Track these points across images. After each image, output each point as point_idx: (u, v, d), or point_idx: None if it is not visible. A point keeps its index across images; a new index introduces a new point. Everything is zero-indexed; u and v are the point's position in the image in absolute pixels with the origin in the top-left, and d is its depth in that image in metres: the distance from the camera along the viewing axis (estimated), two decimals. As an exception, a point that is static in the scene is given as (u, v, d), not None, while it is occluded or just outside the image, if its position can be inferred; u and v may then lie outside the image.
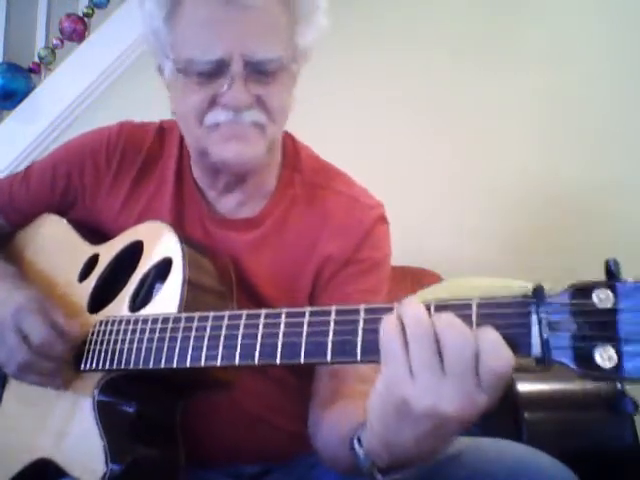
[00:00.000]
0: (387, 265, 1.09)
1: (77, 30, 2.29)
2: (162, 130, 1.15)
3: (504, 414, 1.55)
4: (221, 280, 0.98)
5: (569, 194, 2.27)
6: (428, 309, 0.63)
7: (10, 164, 2.18)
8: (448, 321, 0.61)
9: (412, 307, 0.63)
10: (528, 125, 2.31)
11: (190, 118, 0.98)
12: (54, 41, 2.33)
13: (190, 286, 0.90)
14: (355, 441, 0.75)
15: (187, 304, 0.89)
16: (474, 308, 0.62)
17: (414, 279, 1.93)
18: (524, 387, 1.55)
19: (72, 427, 0.94)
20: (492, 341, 0.59)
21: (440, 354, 0.60)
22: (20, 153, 2.20)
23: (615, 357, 0.54)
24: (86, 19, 2.31)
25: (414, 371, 0.61)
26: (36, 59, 2.34)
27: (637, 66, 2.33)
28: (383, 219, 1.10)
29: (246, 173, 1.03)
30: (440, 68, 2.33)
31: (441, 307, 0.63)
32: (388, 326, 0.63)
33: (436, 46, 2.34)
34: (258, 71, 0.95)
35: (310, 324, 0.71)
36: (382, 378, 0.65)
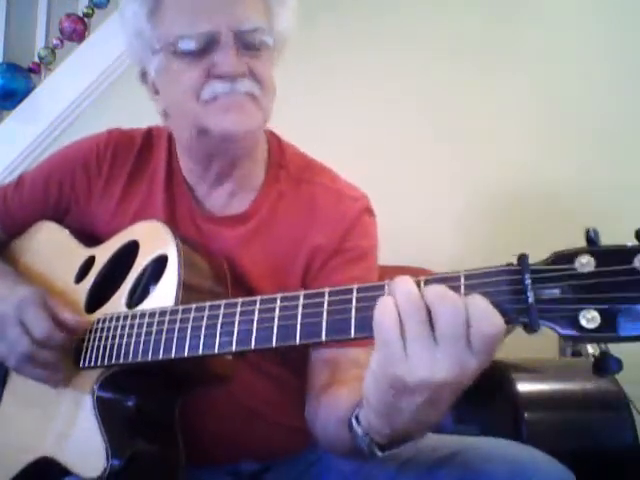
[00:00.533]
0: (374, 254, 1.11)
1: (77, 30, 2.29)
2: (150, 134, 1.18)
3: (504, 414, 1.55)
4: (215, 274, 1.00)
5: (569, 194, 2.27)
6: (418, 284, 0.65)
7: (10, 164, 2.18)
8: (438, 292, 0.63)
9: (402, 283, 0.65)
10: (527, 125, 2.31)
11: (186, 98, 1.01)
12: (54, 41, 2.33)
13: (185, 282, 0.92)
14: (353, 420, 0.77)
15: (183, 298, 0.90)
16: (462, 280, 0.64)
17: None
18: (524, 387, 1.55)
19: (72, 424, 0.95)
20: (482, 307, 0.61)
21: (432, 325, 0.63)
22: (20, 153, 2.20)
23: (598, 318, 0.57)
24: (86, 19, 2.31)
25: (407, 346, 0.63)
26: (36, 59, 2.34)
27: (635, 66, 2.33)
28: (368, 210, 1.12)
29: (238, 158, 1.06)
30: (439, 68, 2.33)
31: (431, 281, 0.66)
32: (382, 305, 0.65)
33: (435, 46, 2.34)
34: (246, 43, 1.00)
35: (304, 306, 0.72)
36: (376, 357, 0.67)
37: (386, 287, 0.67)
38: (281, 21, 1.06)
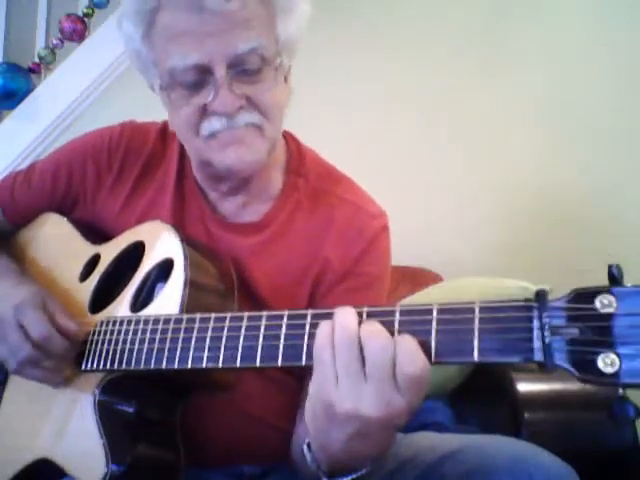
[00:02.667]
0: (386, 278, 1.10)
1: (77, 30, 2.29)
2: (164, 131, 1.15)
3: (504, 414, 1.55)
4: (222, 281, 0.98)
5: (569, 195, 2.27)
6: (361, 315, 0.67)
7: (10, 164, 2.18)
8: (371, 329, 0.65)
9: (342, 314, 0.67)
10: (529, 127, 2.31)
11: (186, 131, 0.99)
12: (54, 41, 2.33)
13: (191, 287, 0.90)
14: (305, 446, 0.79)
15: (188, 305, 0.89)
16: (476, 311, 0.63)
17: (414, 279, 1.93)
18: (524, 387, 1.54)
19: (73, 427, 0.94)
20: (407, 347, 0.63)
21: (363, 360, 0.65)
22: (20, 153, 2.20)
23: (617, 362, 0.54)
24: (86, 19, 2.31)
25: (339, 375, 0.66)
26: (36, 59, 2.34)
27: (638, 65, 2.33)
28: (385, 229, 1.09)
29: (250, 177, 1.03)
30: (440, 69, 2.33)
31: (372, 314, 0.67)
32: (320, 332, 0.67)
33: (437, 49, 2.34)
34: (242, 71, 0.94)
35: (312, 326, 0.71)
36: (312, 382, 0.69)
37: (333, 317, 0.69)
38: (288, 28, 0.99)
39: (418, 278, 1.95)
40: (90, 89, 2.24)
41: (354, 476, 0.76)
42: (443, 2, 2.38)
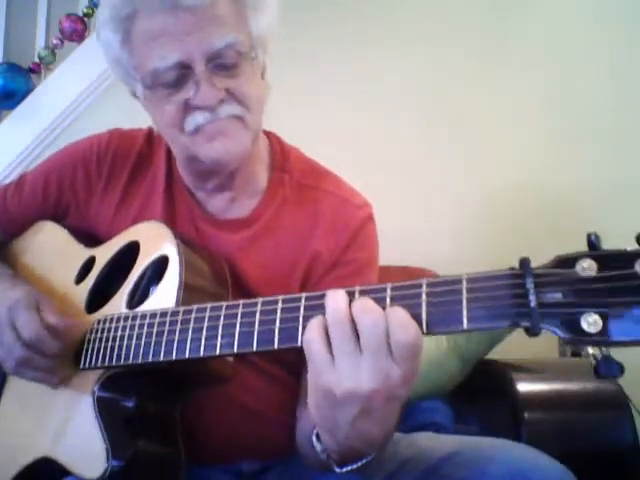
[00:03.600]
0: (375, 264, 1.12)
1: (77, 30, 2.29)
2: (151, 135, 1.17)
3: (504, 414, 1.55)
4: (216, 276, 1.00)
5: (570, 196, 2.27)
6: (353, 295, 0.69)
7: (10, 164, 2.18)
8: (362, 305, 0.67)
9: (331, 298, 0.69)
10: (528, 127, 2.31)
11: (172, 129, 1.01)
12: (54, 41, 2.33)
13: (186, 283, 0.91)
14: (314, 437, 0.81)
15: (184, 299, 0.90)
16: (464, 283, 0.65)
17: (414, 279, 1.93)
18: (524, 387, 1.55)
19: (73, 425, 0.95)
20: (399, 317, 0.65)
21: (357, 338, 0.66)
22: (20, 153, 2.20)
23: (600, 322, 0.57)
24: (86, 19, 2.31)
25: (335, 357, 0.67)
26: (36, 59, 2.34)
27: (638, 67, 2.33)
28: (371, 218, 1.12)
29: (235, 172, 1.05)
30: (439, 69, 2.33)
31: (364, 292, 0.69)
32: (310, 323, 0.69)
33: (436, 49, 2.34)
34: (221, 65, 0.97)
35: (306, 308, 0.73)
36: (309, 372, 0.70)
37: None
38: (259, 24, 1.02)
39: (418, 278, 1.95)
40: (90, 89, 2.24)
41: (363, 462, 0.78)
42: (443, 1, 2.38)
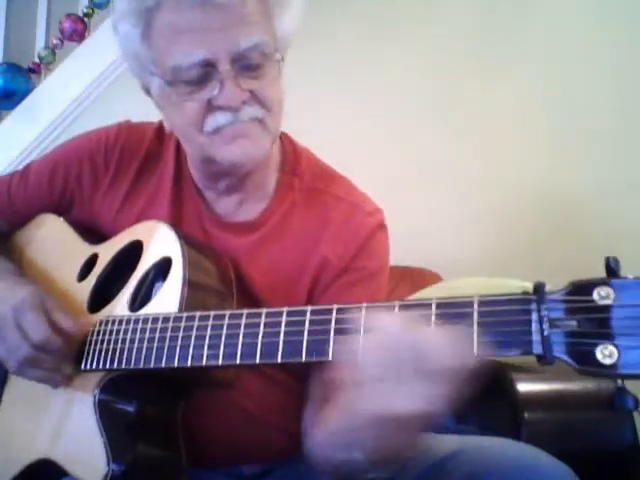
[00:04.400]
0: (384, 274, 1.09)
1: (77, 30, 2.29)
2: (161, 131, 1.14)
3: (504, 414, 1.55)
4: (221, 280, 0.98)
5: (570, 195, 2.27)
6: (393, 309, 0.66)
7: (10, 164, 2.18)
8: (399, 326, 0.64)
9: (385, 319, 0.66)
10: (531, 127, 2.31)
11: (190, 128, 0.98)
12: (54, 41, 2.33)
13: (190, 286, 0.90)
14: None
15: (187, 303, 0.89)
16: (475, 305, 0.63)
17: (414, 279, 1.93)
18: (524, 387, 1.54)
19: (73, 427, 0.95)
20: (438, 340, 0.61)
21: (394, 359, 0.63)
22: (20, 153, 2.20)
23: (616, 354, 0.55)
24: (86, 19, 2.32)
25: (384, 380, 0.64)
26: (36, 59, 2.35)
27: (637, 67, 2.33)
28: (382, 226, 1.09)
29: (248, 174, 1.03)
30: (441, 68, 2.33)
31: (406, 306, 0.67)
32: (369, 339, 0.66)
33: (437, 47, 2.34)
34: (246, 66, 0.94)
35: (311, 322, 0.71)
36: (350, 392, 0.68)
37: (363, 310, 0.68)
38: (283, 24, 1.00)
39: (418, 278, 1.95)
40: (90, 89, 2.24)
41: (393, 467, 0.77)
42: (446, 3, 2.39)
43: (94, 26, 2.32)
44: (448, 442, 0.94)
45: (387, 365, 0.63)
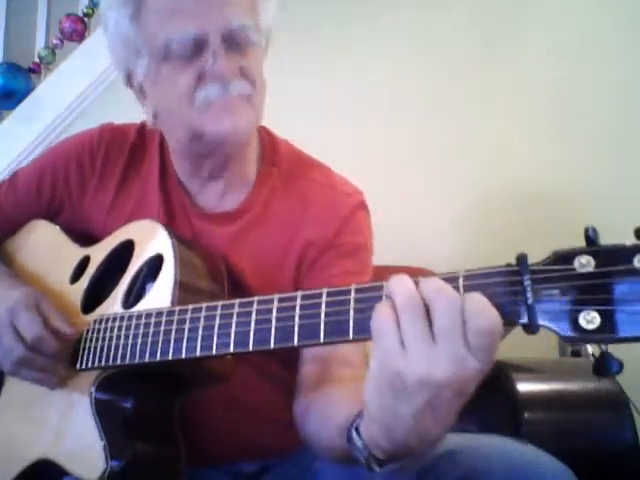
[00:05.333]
0: (368, 250, 1.10)
1: (77, 30, 2.29)
2: (143, 129, 1.17)
3: (504, 414, 1.55)
4: (212, 274, 0.99)
5: (569, 195, 2.27)
6: (416, 283, 0.64)
7: (10, 164, 2.18)
8: (436, 286, 0.62)
9: (399, 280, 0.64)
10: (528, 126, 2.31)
11: (180, 104, 1.00)
12: (54, 41, 2.33)
13: (181, 281, 0.91)
14: (353, 431, 0.75)
15: (179, 298, 0.89)
16: (461, 280, 0.63)
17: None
18: (524, 387, 1.55)
19: (71, 426, 0.95)
20: (477, 302, 0.60)
21: (430, 321, 0.62)
22: (20, 153, 2.20)
23: (598, 319, 0.56)
24: (86, 19, 2.32)
25: (405, 342, 0.62)
26: (36, 59, 2.35)
27: (636, 67, 2.33)
28: (362, 206, 1.11)
29: (231, 155, 1.06)
30: (439, 67, 2.33)
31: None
32: (380, 307, 0.64)
33: (436, 47, 2.34)
34: (235, 43, 0.99)
35: (302, 307, 0.72)
36: (375, 358, 0.66)
37: (384, 287, 0.67)
38: (266, 16, 1.05)
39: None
40: (90, 89, 2.24)
41: (408, 461, 0.73)
42: (444, 3, 2.39)
43: (94, 26, 2.32)
44: (445, 440, 0.93)
45: (404, 324, 0.62)
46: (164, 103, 1.04)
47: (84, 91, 2.23)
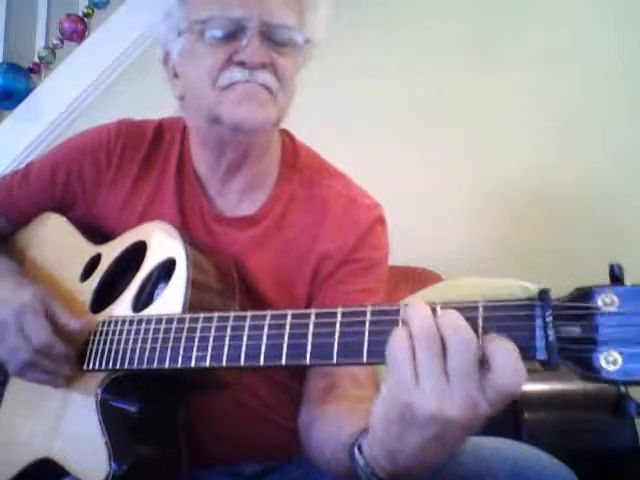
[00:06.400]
0: (385, 265, 1.10)
1: (77, 30, 2.29)
2: (161, 127, 1.16)
3: (504, 414, 1.54)
4: (224, 281, 0.98)
5: (569, 195, 2.27)
6: (434, 310, 0.62)
7: (10, 164, 2.18)
8: (453, 323, 0.61)
9: (417, 311, 0.63)
10: (528, 126, 2.31)
11: (203, 82, 1.00)
12: (54, 41, 2.33)
13: (193, 287, 0.90)
14: (355, 449, 0.75)
15: (190, 305, 0.88)
16: (480, 310, 0.62)
17: (414, 279, 1.94)
18: (524, 387, 1.54)
19: (74, 426, 0.94)
20: (508, 357, 0.58)
21: (445, 357, 0.61)
22: (20, 153, 2.20)
23: (620, 360, 0.55)
24: (86, 19, 2.32)
25: (419, 376, 0.61)
26: (36, 59, 2.34)
27: (635, 67, 2.33)
28: (381, 220, 1.10)
29: (251, 147, 1.05)
30: (441, 68, 2.33)
31: (447, 307, 0.63)
32: (397, 335, 0.63)
33: (435, 48, 2.34)
34: (272, 38, 0.99)
35: (316, 325, 0.71)
36: (387, 384, 0.65)
37: (401, 311, 0.65)
38: (311, 28, 1.05)
39: (418, 278, 1.95)
40: (90, 89, 2.24)
41: None
42: (444, 3, 2.38)
43: (94, 26, 2.32)
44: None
45: (419, 357, 0.61)
46: (190, 83, 1.04)
47: (84, 91, 2.23)
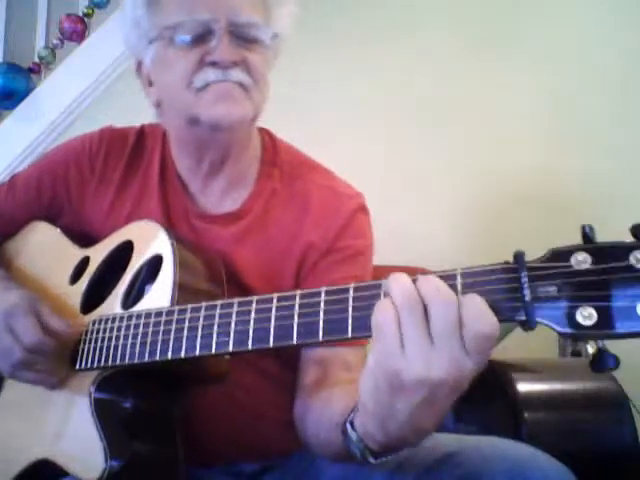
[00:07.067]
0: (369, 253, 1.11)
1: (77, 30, 2.29)
2: (143, 132, 1.18)
3: (504, 414, 1.55)
4: (211, 274, 0.99)
5: (569, 194, 2.27)
6: (414, 281, 0.64)
7: (10, 164, 2.18)
8: (433, 286, 0.63)
9: (397, 279, 0.65)
10: (526, 125, 2.31)
11: (178, 85, 1.01)
12: (54, 41, 2.33)
13: (180, 281, 0.91)
14: (348, 425, 0.76)
15: (178, 298, 0.90)
16: (459, 278, 0.64)
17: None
18: (524, 387, 1.55)
19: (70, 426, 0.95)
20: (475, 306, 0.61)
21: (428, 320, 0.62)
22: (20, 153, 2.20)
23: (595, 315, 0.57)
24: (86, 19, 2.31)
25: (405, 342, 0.63)
26: (36, 59, 2.34)
27: (636, 67, 2.33)
28: (363, 209, 1.11)
29: (230, 146, 1.06)
30: (437, 67, 2.33)
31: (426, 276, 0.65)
32: (380, 306, 0.65)
33: (434, 47, 2.34)
34: (241, 36, 1.01)
35: (301, 305, 0.72)
36: (373, 354, 0.66)
37: (382, 285, 0.67)
38: (278, 22, 1.07)
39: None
40: (90, 89, 2.24)
41: (403, 452, 0.74)
42: (445, 2, 2.39)
43: (94, 26, 2.32)
44: (445, 442, 0.93)
45: (404, 324, 0.63)
46: (166, 88, 1.06)
47: (84, 91, 2.23)
